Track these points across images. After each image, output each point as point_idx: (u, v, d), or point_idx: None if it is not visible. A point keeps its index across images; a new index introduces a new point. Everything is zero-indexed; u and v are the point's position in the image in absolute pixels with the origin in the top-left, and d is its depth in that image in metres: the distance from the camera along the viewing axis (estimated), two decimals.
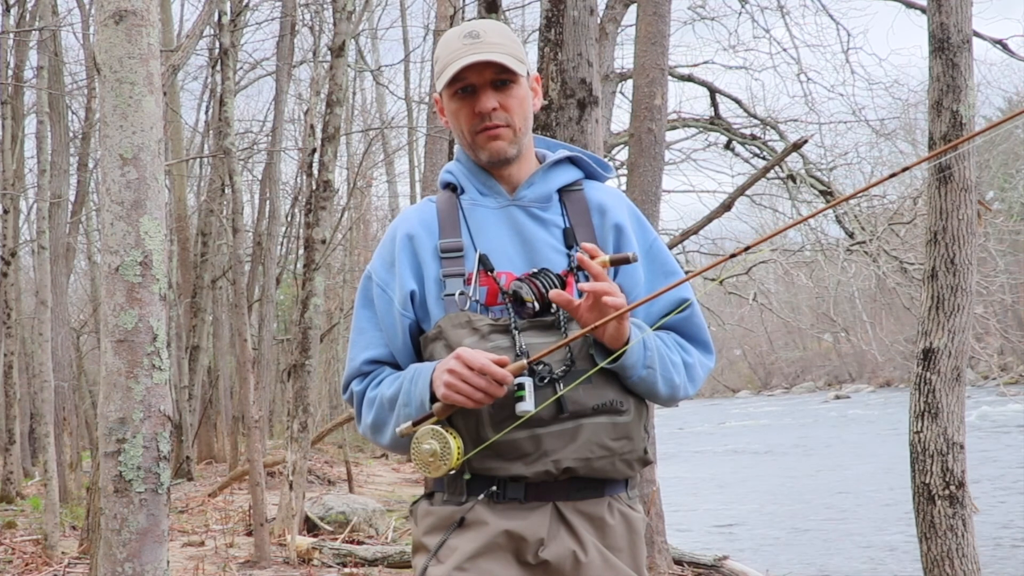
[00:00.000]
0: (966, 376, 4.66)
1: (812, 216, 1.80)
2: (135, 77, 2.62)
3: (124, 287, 2.59)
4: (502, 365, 1.74)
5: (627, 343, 1.82)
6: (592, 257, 1.80)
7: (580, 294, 1.86)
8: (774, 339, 45.98)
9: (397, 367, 1.96)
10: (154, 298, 2.63)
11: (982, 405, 24.43)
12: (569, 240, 1.93)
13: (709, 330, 2.03)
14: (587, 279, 1.81)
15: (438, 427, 1.79)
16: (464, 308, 1.87)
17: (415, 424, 1.81)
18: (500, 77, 1.91)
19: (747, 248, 1.81)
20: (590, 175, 2.05)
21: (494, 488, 1.83)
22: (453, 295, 1.88)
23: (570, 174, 2.02)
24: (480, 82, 1.90)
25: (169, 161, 13.28)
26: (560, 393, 1.79)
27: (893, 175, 1.67)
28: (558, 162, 2.01)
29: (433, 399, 1.81)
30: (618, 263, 1.81)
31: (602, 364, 1.82)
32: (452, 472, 1.79)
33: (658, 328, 1.92)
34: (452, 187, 2.02)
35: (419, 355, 1.94)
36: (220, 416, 16.91)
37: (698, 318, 1.99)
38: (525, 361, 1.76)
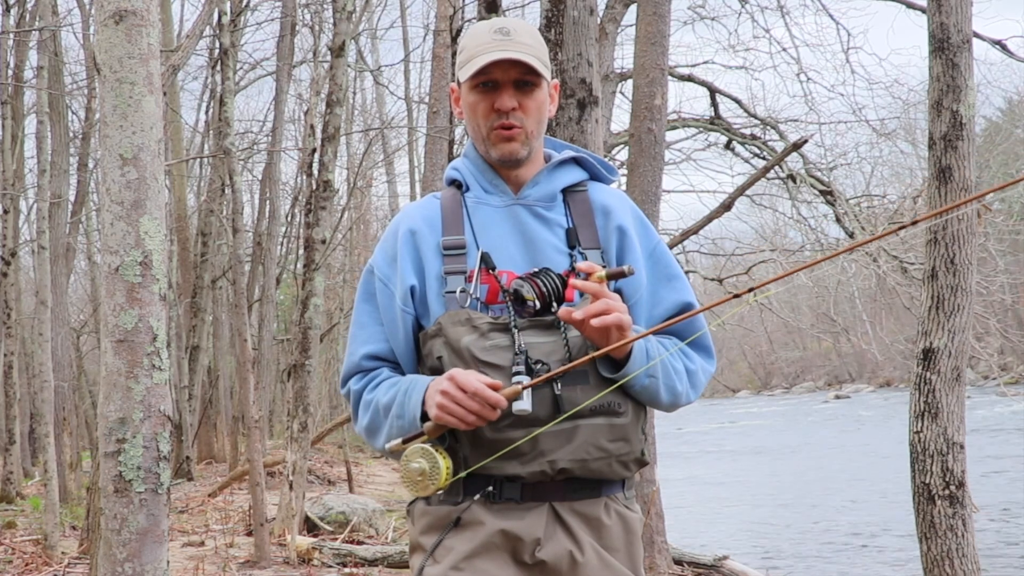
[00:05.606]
0: (966, 376, 4.65)
1: (848, 250, 1.78)
2: (135, 77, 2.62)
3: (124, 287, 2.59)
4: (496, 389, 1.74)
5: (630, 354, 1.82)
6: (589, 274, 1.78)
7: (581, 294, 1.86)
8: (774, 339, 45.95)
9: (396, 363, 1.96)
10: (154, 298, 2.63)
11: (982, 405, 24.41)
12: (572, 240, 1.93)
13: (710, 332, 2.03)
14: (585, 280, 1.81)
15: (428, 446, 1.79)
16: (464, 305, 1.86)
17: (405, 442, 1.81)
18: (524, 78, 1.91)
19: (751, 290, 1.80)
20: (595, 177, 2.04)
21: (490, 488, 1.82)
22: (454, 292, 1.87)
23: (575, 175, 2.01)
24: (504, 80, 1.91)
25: (169, 161, 13.27)
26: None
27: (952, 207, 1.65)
28: (563, 162, 2.01)
29: (425, 417, 1.81)
30: (614, 277, 1.79)
31: (613, 377, 1.82)
32: (440, 492, 1.80)
33: (659, 332, 1.91)
34: (457, 184, 2.01)
35: (419, 351, 1.94)
36: (220, 416, 16.90)
37: (701, 323, 1.99)
38: (520, 386, 1.75)
